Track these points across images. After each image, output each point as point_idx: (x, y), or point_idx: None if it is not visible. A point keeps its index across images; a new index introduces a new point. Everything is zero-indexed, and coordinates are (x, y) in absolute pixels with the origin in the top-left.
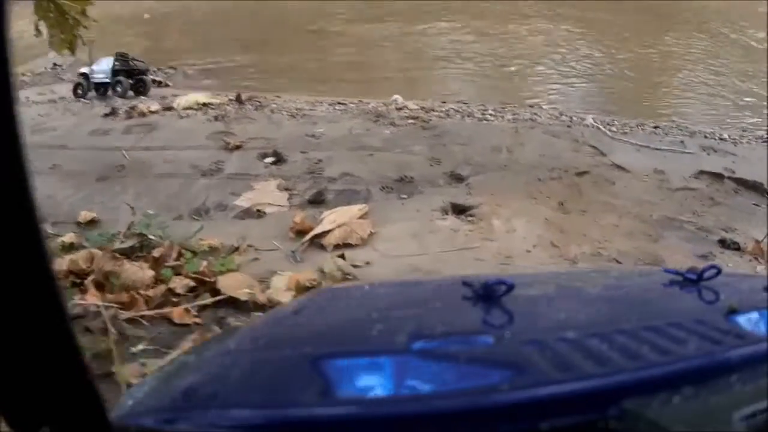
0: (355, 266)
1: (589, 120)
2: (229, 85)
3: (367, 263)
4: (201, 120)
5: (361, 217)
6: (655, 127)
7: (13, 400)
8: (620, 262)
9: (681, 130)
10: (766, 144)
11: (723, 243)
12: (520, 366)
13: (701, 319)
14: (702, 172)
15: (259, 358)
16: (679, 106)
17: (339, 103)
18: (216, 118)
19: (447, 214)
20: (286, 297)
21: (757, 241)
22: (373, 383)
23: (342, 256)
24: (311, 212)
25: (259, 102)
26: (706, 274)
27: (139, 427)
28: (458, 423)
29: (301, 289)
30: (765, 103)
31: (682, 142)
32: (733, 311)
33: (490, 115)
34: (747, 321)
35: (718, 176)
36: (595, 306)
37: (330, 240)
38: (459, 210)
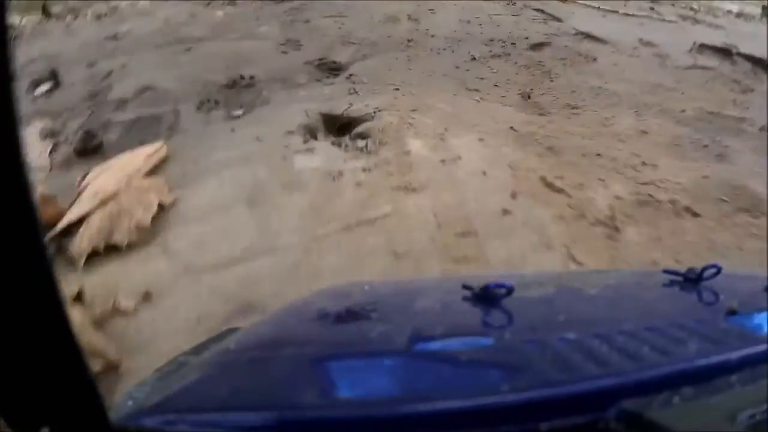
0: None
1: None
2: None
3: (144, 298)
4: None
5: (151, 172)
6: None
7: (13, 400)
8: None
9: None
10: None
11: None
12: (521, 367)
13: (701, 319)
14: (703, 46)
15: (259, 358)
16: None
17: None
18: None
19: (315, 137)
20: None
21: None
22: (373, 384)
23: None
24: (77, 172)
25: (72, 10)
26: (706, 274)
27: (139, 427)
28: (458, 423)
29: None
30: None
31: (652, 8)
32: (732, 312)
33: None
34: (746, 321)
35: (725, 52)
36: (595, 307)
37: (81, 244)
38: (339, 126)
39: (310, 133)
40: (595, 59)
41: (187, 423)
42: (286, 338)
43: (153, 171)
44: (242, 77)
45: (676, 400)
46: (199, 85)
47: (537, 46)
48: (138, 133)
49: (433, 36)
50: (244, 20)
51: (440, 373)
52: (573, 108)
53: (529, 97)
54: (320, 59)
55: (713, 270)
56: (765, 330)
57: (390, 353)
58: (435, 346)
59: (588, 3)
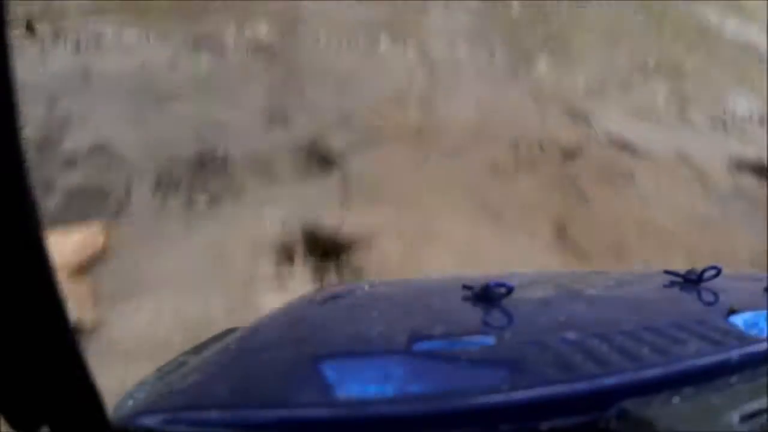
0: None
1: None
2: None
3: None
4: None
5: (80, 268)
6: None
7: (13, 400)
8: None
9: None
10: None
11: None
12: (521, 366)
13: (701, 319)
14: (740, 163)
15: (259, 357)
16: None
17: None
18: None
19: (290, 261)
20: None
21: None
22: (372, 383)
23: None
24: None
25: (56, 31)
26: (706, 275)
27: (139, 427)
28: (458, 423)
29: None
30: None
31: (680, 111)
32: (733, 312)
33: (386, 44)
34: (747, 322)
35: (761, 171)
36: (596, 307)
37: None
38: (323, 250)
39: (286, 253)
40: (632, 176)
41: (187, 422)
42: (286, 337)
43: (83, 268)
44: (214, 156)
45: (676, 400)
46: (163, 156)
47: (568, 155)
48: (80, 205)
49: (447, 127)
50: (230, 76)
51: (440, 373)
52: (618, 250)
53: (564, 232)
54: (310, 144)
55: (713, 271)
56: (765, 330)
57: (390, 353)
58: (435, 345)
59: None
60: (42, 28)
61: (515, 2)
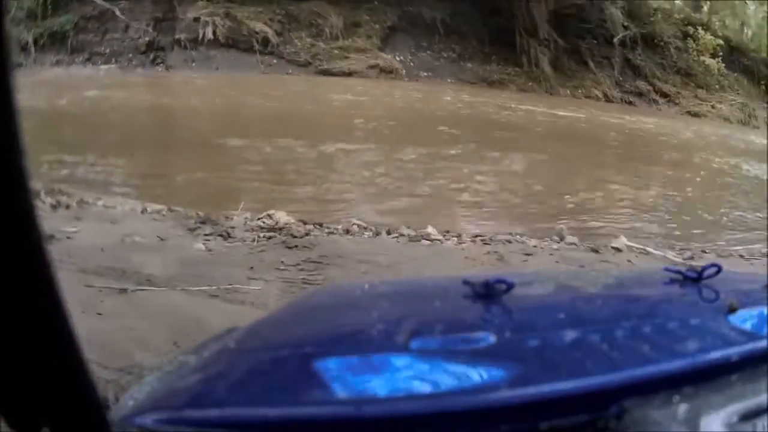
0: None
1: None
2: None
3: None
4: None
5: None
6: None
7: (13, 400)
8: None
9: None
10: None
11: None
12: (521, 365)
13: (701, 318)
14: None
15: (258, 357)
16: None
17: (170, 210)
18: None
19: None
20: None
21: None
22: (373, 382)
23: None
24: None
25: (69, 203)
26: (706, 273)
27: (139, 427)
28: (458, 422)
29: None
30: None
31: None
32: (733, 310)
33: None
34: (747, 320)
35: None
36: (596, 305)
37: None
38: None
39: None
40: None
41: (187, 422)
42: (285, 337)
43: None
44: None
45: (676, 399)
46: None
47: None
48: None
49: None
50: (231, 264)
51: (440, 372)
52: None
53: None
54: None
55: (713, 269)
56: (765, 328)
57: (390, 352)
58: (435, 344)
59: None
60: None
61: None
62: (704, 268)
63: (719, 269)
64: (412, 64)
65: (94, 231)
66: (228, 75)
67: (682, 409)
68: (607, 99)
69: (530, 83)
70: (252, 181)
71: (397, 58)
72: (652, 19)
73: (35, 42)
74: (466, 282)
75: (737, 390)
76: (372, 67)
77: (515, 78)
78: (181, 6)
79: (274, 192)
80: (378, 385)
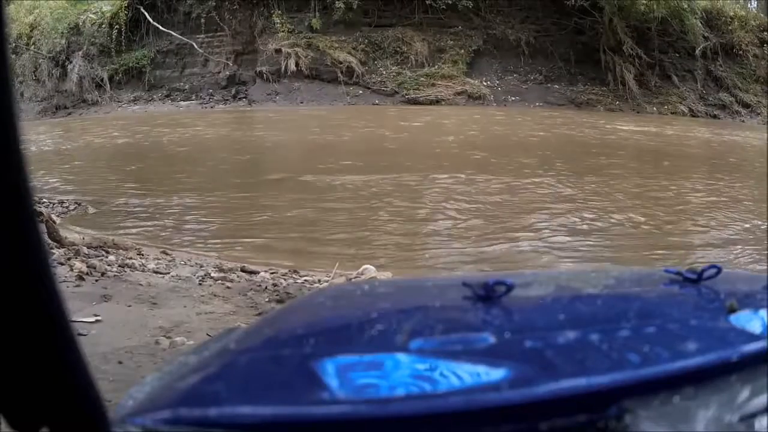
0: None
1: None
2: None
3: None
4: None
5: None
6: None
7: (13, 400)
8: None
9: None
10: None
11: None
12: (520, 365)
13: (701, 318)
14: None
15: (259, 357)
16: None
17: (244, 271)
18: None
19: None
20: None
21: None
22: (373, 382)
23: None
24: None
25: (107, 268)
26: (706, 274)
27: (139, 427)
28: (458, 423)
29: None
30: None
31: None
32: (732, 311)
33: None
34: (746, 320)
35: None
36: (595, 306)
37: None
38: None
39: None
40: None
41: (187, 422)
42: (285, 337)
43: None
44: None
45: (676, 400)
46: None
47: None
48: None
49: None
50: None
51: (440, 372)
52: None
53: None
54: None
55: (713, 270)
56: (765, 329)
57: (389, 352)
58: (434, 344)
59: None
60: (72, 238)
61: None
62: (704, 269)
63: (719, 270)
64: (499, 88)
65: (120, 322)
66: (313, 107)
67: (682, 409)
68: (692, 114)
69: (617, 102)
70: (344, 227)
71: (484, 83)
72: (729, 27)
73: (110, 78)
74: (465, 284)
75: (737, 390)
76: (459, 93)
77: (602, 98)
78: (261, 38)
79: (367, 239)
80: (378, 386)
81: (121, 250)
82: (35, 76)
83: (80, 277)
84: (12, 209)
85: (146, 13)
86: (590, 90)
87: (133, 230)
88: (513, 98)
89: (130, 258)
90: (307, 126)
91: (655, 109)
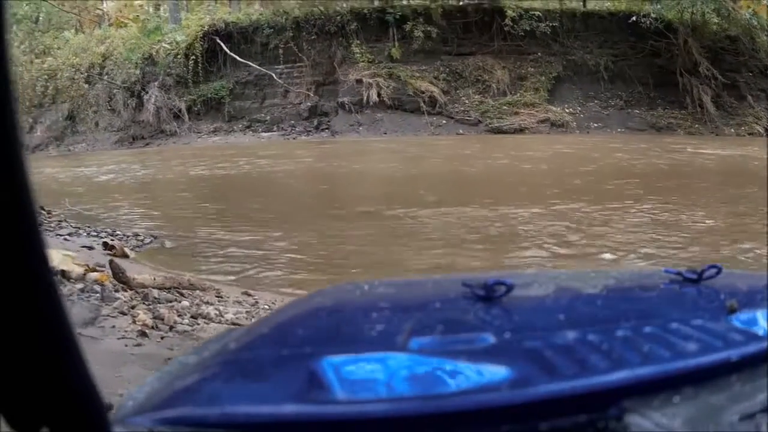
0: None
1: None
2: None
3: None
4: None
5: None
6: None
7: (13, 400)
8: None
9: None
10: None
11: None
12: (520, 365)
13: (701, 318)
14: None
15: (259, 357)
16: None
17: None
18: None
19: None
20: None
21: None
22: (372, 382)
23: None
24: None
25: (177, 320)
26: (706, 274)
27: (140, 427)
28: (458, 422)
29: None
30: None
31: None
32: (732, 311)
33: None
34: (747, 320)
35: None
36: (595, 306)
37: None
38: None
39: None
40: None
41: (187, 422)
42: (285, 337)
43: None
44: None
45: (676, 400)
46: None
47: None
48: None
49: None
50: None
51: (440, 372)
52: None
53: None
54: None
55: (713, 270)
56: (765, 329)
57: (389, 352)
58: (434, 344)
59: None
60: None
61: None
62: (704, 269)
63: (719, 270)
64: (581, 115)
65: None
66: (397, 138)
67: (682, 409)
68: None
69: (696, 125)
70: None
71: (567, 110)
72: None
73: (188, 109)
74: (465, 284)
75: (737, 390)
76: (542, 121)
77: (682, 121)
78: (342, 68)
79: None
80: (377, 385)
81: (198, 291)
82: (110, 105)
83: (143, 333)
84: (12, 209)
85: (222, 44)
86: (669, 114)
87: (213, 266)
88: (595, 125)
89: (207, 302)
90: (392, 156)
91: (732, 130)
